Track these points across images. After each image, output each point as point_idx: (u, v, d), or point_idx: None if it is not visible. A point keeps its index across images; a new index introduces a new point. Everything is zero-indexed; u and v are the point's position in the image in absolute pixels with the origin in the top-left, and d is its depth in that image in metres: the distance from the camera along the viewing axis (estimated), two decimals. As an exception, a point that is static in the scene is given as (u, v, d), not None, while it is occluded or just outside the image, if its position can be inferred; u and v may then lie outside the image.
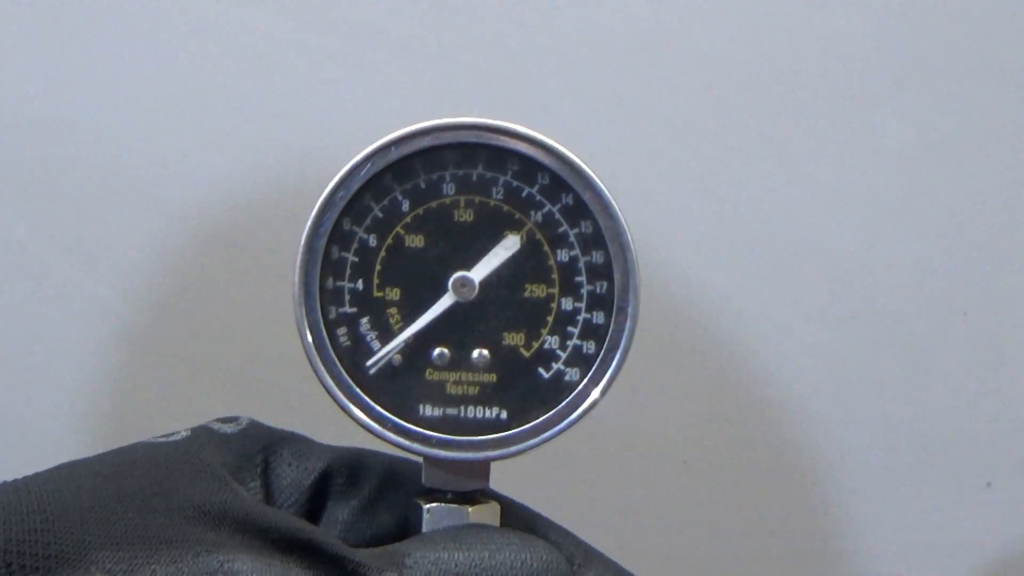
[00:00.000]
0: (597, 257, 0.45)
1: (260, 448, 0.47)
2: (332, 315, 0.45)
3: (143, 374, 0.70)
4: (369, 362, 0.45)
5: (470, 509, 0.45)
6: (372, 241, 0.45)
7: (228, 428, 0.47)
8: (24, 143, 0.69)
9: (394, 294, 0.45)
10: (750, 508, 0.71)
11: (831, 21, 0.69)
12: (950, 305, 0.70)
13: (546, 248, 0.45)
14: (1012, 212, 0.70)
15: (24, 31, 0.68)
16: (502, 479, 0.47)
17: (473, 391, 0.46)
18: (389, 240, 0.45)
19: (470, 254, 0.45)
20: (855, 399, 0.71)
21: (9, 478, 0.42)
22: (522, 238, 0.45)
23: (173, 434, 0.46)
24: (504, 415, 0.46)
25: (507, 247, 0.45)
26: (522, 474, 0.49)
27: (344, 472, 0.47)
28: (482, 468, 0.46)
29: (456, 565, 0.42)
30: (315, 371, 0.45)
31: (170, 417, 0.68)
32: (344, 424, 0.47)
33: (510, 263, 0.45)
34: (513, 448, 0.45)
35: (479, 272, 0.45)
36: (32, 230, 0.69)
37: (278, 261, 0.68)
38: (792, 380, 0.71)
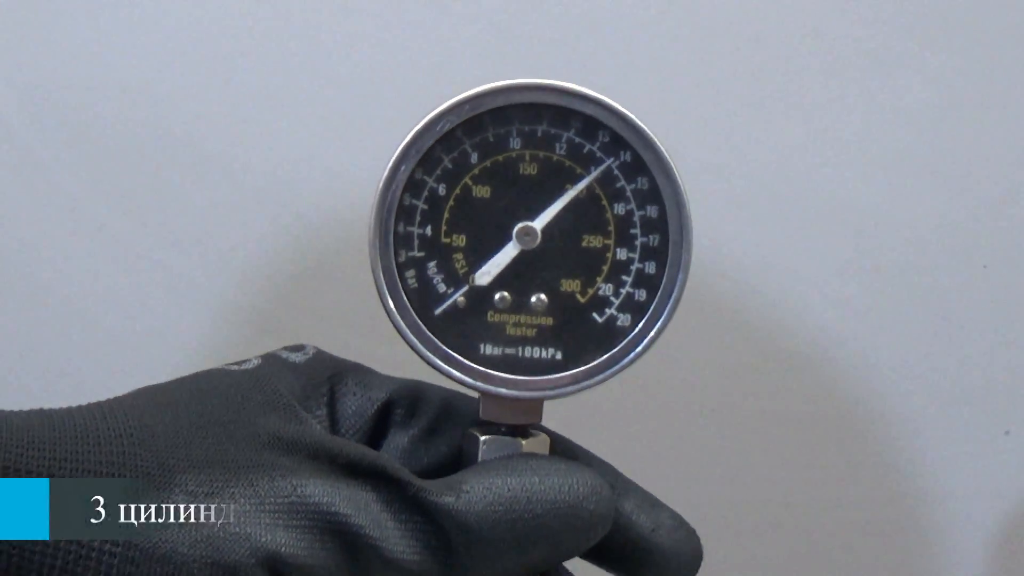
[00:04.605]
0: (651, 211, 0.47)
1: (326, 377, 0.48)
2: (402, 258, 0.47)
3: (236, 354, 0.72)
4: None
5: (523, 441, 0.47)
6: (441, 190, 0.47)
7: (296, 357, 0.49)
8: (122, 131, 0.70)
9: (460, 241, 0.47)
10: (773, 456, 0.72)
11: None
12: (970, 258, 0.71)
13: (604, 202, 0.47)
14: (1031, 169, 0.71)
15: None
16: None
17: (531, 333, 0.47)
18: (457, 190, 0.47)
19: (534, 205, 0.47)
20: (877, 350, 0.71)
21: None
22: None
23: (245, 362, 0.48)
24: (560, 356, 0.47)
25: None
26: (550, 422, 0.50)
27: (405, 403, 0.49)
28: (536, 404, 0.47)
29: (509, 489, 0.44)
30: (386, 310, 0.47)
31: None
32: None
33: (571, 214, 0.47)
34: (568, 388, 0.47)
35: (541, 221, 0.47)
36: (138, 224, 0.71)
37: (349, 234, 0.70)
38: (817, 331, 0.71)
